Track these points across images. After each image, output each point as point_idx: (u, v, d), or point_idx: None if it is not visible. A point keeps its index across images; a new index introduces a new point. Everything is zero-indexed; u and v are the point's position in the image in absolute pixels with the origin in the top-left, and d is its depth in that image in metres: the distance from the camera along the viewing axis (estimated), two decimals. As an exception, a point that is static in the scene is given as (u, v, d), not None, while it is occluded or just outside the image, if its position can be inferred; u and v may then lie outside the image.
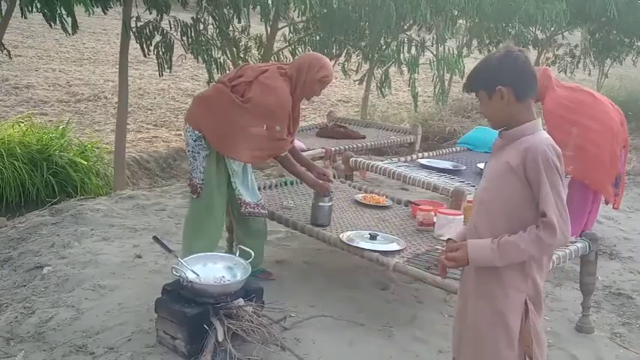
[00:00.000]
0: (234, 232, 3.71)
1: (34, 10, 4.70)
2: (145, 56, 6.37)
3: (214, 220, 3.42)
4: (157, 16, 6.05)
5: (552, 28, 10.11)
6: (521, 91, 1.96)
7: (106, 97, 9.82)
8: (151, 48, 6.19)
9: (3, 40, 5.18)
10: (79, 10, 4.97)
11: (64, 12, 4.94)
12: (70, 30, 5.17)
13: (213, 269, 3.03)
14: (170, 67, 6.47)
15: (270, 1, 6.18)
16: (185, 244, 3.46)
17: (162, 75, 6.64)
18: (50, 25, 5.09)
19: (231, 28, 7.00)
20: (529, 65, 1.98)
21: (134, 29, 5.93)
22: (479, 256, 1.96)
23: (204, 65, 6.75)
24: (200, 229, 3.39)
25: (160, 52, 6.27)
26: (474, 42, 9.89)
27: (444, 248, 3.13)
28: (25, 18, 4.65)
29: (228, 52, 6.98)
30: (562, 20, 8.49)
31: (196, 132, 3.27)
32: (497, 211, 1.98)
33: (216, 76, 6.85)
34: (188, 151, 3.33)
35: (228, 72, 6.88)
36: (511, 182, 1.94)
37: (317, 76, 3.33)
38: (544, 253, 1.97)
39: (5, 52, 5.28)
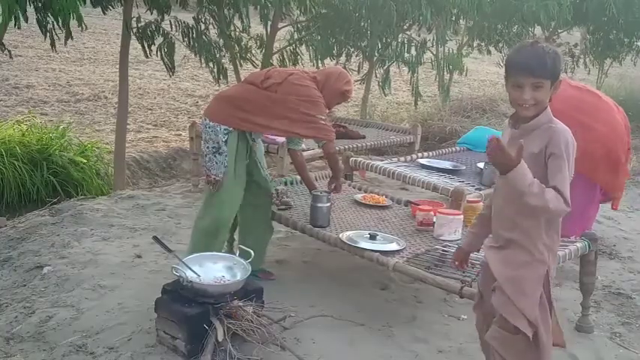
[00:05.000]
0: (239, 231, 3.71)
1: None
2: (146, 57, 6.37)
3: (233, 214, 3.46)
4: (158, 16, 6.05)
5: (552, 27, 10.08)
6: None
7: (106, 97, 9.82)
8: (153, 48, 6.19)
9: (3, 40, 5.18)
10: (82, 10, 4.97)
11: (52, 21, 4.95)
12: (63, 41, 5.20)
13: (213, 269, 3.04)
14: (173, 68, 6.48)
15: (269, 2, 6.18)
16: (198, 240, 3.43)
17: (171, 76, 6.65)
18: (44, 34, 5.10)
19: (232, 28, 7.00)
20: None
21: (135, 29, 5.92)
22: (520, 174, 1.97)
23: (206, 66, 6.74)
24: (220, 224, 3.40)
25: (164, 53, 6.27)
26: (475, 42, 9.86)
27: (444, 248, 3.18)
28: (19, 28, 4.63)
29: (228, 53, 6.97)
30: (566, 15, 8.41)
31: (223, 126, 3.30)
32: None
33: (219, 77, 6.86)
34: (208, 147, 3.34)
35: (230, 72, 6.96)
36: (538, 169, 2.02)
37: (342, 88, 3.46)
38: (551, 212, 2.02)
39: (6, 52, 5.28)
